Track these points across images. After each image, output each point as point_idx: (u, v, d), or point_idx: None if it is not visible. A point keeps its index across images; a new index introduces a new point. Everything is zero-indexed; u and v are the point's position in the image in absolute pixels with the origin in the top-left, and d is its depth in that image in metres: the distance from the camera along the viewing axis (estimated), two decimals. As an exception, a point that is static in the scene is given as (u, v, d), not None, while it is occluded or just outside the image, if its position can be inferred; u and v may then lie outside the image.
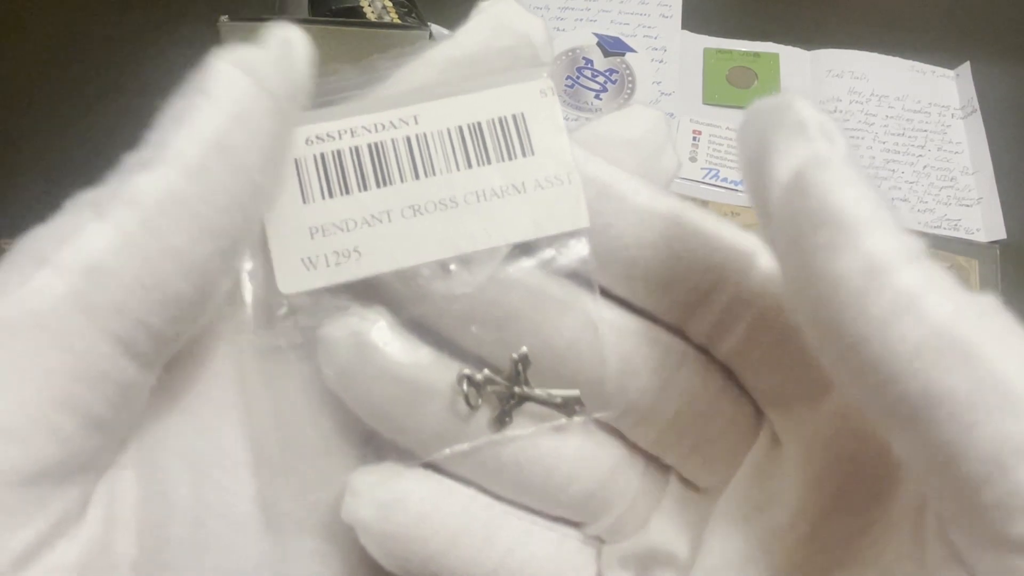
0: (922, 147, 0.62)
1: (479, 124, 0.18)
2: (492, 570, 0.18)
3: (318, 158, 0.17)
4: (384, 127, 0.17)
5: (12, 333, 0.13)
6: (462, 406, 0.17)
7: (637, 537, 0.19)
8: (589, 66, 0.66)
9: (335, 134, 0.17)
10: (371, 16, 0.53)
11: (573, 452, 0.18)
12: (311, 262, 0.17)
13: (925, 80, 0.65)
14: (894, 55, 0.66)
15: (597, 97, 0.64)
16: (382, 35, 0.46)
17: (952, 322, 0.12)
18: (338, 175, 0.17)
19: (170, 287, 0.14)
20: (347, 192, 0.17)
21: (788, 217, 0.14)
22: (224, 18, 0.44)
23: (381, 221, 0.17)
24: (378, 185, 0.17)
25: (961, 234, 0.57)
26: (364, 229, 0.17)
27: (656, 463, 0.19)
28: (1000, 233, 0.57)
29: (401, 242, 0.17)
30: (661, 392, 0.18)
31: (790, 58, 0.66)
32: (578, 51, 0.66)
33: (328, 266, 0.17)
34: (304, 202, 0.17)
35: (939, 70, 0.66)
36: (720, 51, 0.66)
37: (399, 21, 0.53)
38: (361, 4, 0.53)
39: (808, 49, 0.66)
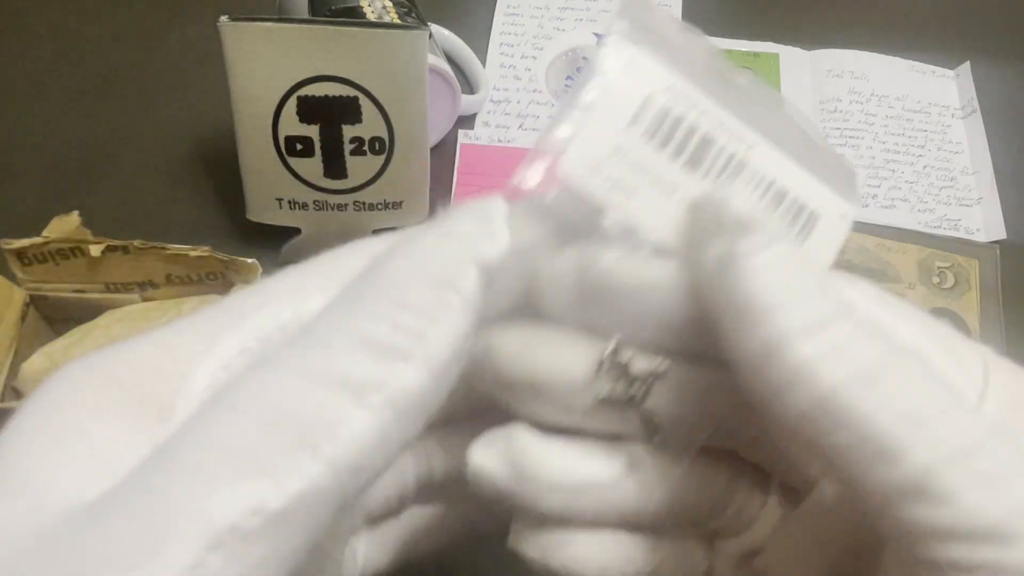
0: (922, 147, 0.62)
1: (785, 194, 0.19)
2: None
3: (664, 110, 0.18)
4: (728, 129, 0.18)
5: (277, 523, 0.13)
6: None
7: (743, 536, 0.21)
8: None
9: (694, 103, 0.18)
10: (371, 16, 0.53)
11: (699, 467, 0.20)
12: (598, 166, 0.18)
13: (925, 80, 0.65)
14: (894, 55, 0.66)
15: (597, 97, 0.64)
16: (382, 35, 0.46)
17: (837, 388, 0.14)
18: (667, 131, 0.18)
19: (384, 467, 0.15)
20: (662, 147, 0.18)
21: (712, 305, 0.16)
22: (224, 18, 0.44)
23: (661, 190, 0.18)
24: (687, 164, 0.18)
25: (961, 234, 0.57)
26: (648, 185, 0.18)
27: (760, 470, 0.21)
28: (1000, 233, 0.57)
29: (662, 217, 0.18)
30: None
31: (790, 58, 0.66)
32: (578, 51, 0.66)
33: (605, 181, 0.18)
34: (626, 128, 0.18)
35: (939, 70, 0.66)
36: (720, 51, 0.66)
37: (399, 21, 0.53)
38: (361, 4, 0.53)
39: (808, 49, 0.66)
